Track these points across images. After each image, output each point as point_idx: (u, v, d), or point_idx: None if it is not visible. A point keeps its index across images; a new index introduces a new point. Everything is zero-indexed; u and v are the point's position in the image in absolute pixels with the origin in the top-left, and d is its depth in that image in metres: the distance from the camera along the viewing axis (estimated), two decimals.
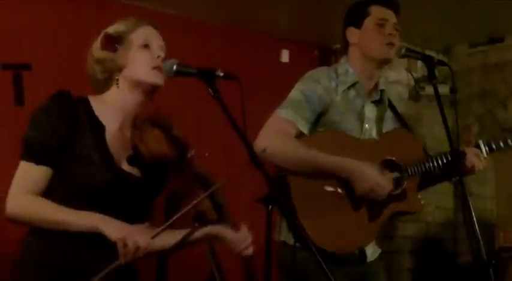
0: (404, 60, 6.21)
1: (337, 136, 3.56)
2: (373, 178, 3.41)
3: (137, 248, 2.48)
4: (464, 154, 3.58)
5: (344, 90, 3.60)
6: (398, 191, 3.52)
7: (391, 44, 3.59)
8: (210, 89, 2.62)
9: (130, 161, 2.71)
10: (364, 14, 3.66)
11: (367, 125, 3.66)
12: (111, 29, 2.79)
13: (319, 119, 3.56)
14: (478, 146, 3.70)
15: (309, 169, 3.38)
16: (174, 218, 2.55)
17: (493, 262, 2.96)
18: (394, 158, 3.55)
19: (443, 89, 3.40)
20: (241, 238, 2.82)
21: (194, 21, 5.75)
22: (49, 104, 2.62)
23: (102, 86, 2.78)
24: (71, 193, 2.59)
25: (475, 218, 3.00)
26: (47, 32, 5.11)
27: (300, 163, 3.37)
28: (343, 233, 3.31)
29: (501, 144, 3.76)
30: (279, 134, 3.38)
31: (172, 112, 5.51)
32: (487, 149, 3.71)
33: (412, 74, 6.41)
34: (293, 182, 3.39)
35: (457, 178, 3.43)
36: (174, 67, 2.68)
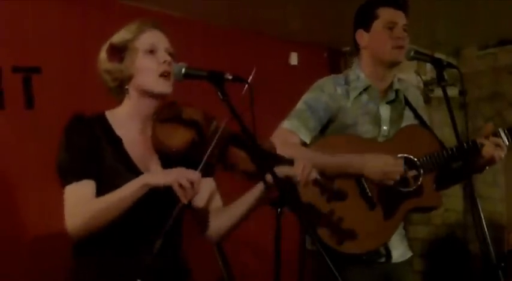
0: (414, 63, 6.20)
1: (349, 139, 3.56)
2: (381, 161, 3.40)
3: (192, 183, 2.51)
4: (481, 144, 3.49)
5: (356, 96, 3.61)
6: (414, 187, 3.47)
7: (400, 47, 3.58)
8: (219, 92, 2.63)
9: (164, 165, 2.74)
10: (373, 17, 3.65)
11: (384, 127, 3.66)
12: (115, 39, 2.78)
13: (328, 126, 3.58)
14: (496, 135, 3.54)
15: (319, 169, 3.21)
16: (209, 150, 2.58)
17: (503, 264, 2.96)
18: (407, 155, 3.50)
19: (453, 92, 3.39)
20: (299, 169, 2.75)
21: (202, 24, 5.76)
22: (67, 133, 2.65)
23: (117, 93, 2.80)
24: None
25: (484, 221, 3.00)
26: (56, 35, 5.12)
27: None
28: (360, 233, 3.28)
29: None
30: (283, 144, 3.26)
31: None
32: (507, 135, 3.54)
33: (421, 77, 6.41)
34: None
35: (480, 171, 3.53)
36: (183, 70, 2.69)
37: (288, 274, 2.87)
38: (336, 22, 5.98)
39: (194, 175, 2.53)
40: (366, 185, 3.45)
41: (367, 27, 3.67)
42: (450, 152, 3.54)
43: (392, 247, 3.60)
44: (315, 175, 2.78)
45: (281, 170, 2.68)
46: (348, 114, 3.57)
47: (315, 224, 3.36)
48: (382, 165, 3.38)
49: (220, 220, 2.93)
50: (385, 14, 3.64)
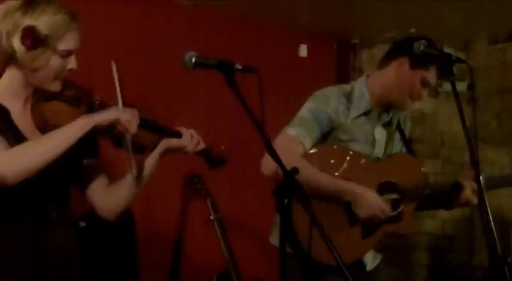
0: None
1: (342, 152, 3.66)
2: (377, 205, 3.53)
3: (130, 113, 2.61)
4: (462, 187, 3.71)
5: (357, 115, 3.68)
6: (395, 213, 3.63)
7: (415, 100, 3.70)
8: (228, 82, 2.63)
9: None
10: (425, 65, 3.64)
11: (377, 149, 3.77)
12: (40, 25, 2.57)
13: (325, 137, 3.66)
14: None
15: (313, 188, 3.38)
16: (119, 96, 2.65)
17: (509, 259, 2.96)
18: (395, 181, 3.65)
19: (461, 86, 3.39)
20: (188, 140, 2.89)
21: (212, 14, 5.75)
22: None
23: None
24: None
25: (491, 216, 2.99)
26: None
27: (305, 183, 3.08)
28: (336, 246, 3.30)
29: (502, 182, 3.76)
30: (285, 154, 3.05)
31: (182, 105, 5.54)
32: (488, 186, 3.59)
33: None
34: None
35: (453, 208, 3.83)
36: (193, 59, 2.69)
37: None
38: (346, 14, 5.98)
39: (131, 109, 2.63)
40: (353, 208, 3.56)
41: (413, 65, 3.66)
42: (436, 188, 3.77)
43: (367, 257, 3.76)
44: (202, 146, 2.93)
45: (170, 143, 2.86)
46: (345, 131, 3.66)
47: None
48: (377, 209, 3.52)
49: (116, 197, 2.91)
50: (432, 74, 3.67)
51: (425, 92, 3.71)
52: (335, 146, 3.67)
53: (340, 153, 3.67)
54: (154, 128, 2.83)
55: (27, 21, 2.56)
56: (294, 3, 5.66)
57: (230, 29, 5.87)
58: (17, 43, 2.56)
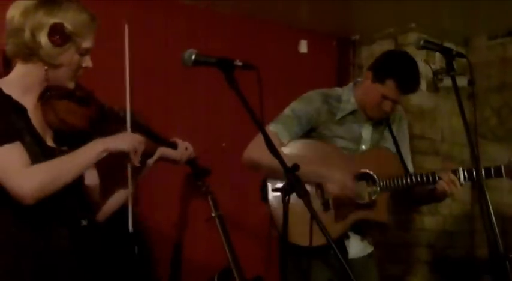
0: (423, 52, 6.17)
1: (320, 146, 3.93)
2: (343, 180, 3.73)
3: (140, 143, 2.71)
4: (439, 178, 3.79)
5: (343, 116, 3.94)
6: (366, 201, 3.83)
7: (383, 113, 3.90)
8: (227, 79, 2.63)
9: (57, 141, 2.73)
10: (381, 79, 3.84)
11: (363, 147, 3.99)
12: (67, 23, 2.64)
13: (309, 134, 3.93)
14: (455, 173, 3.80)
15: None
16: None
17: (510, 255, 2.96)
18: (369, 171, 3.83)
19: (462, 81, 3.40)
20: (182, 151, 3.01)
21: (212, 11, 5.75)
22: None
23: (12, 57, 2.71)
24: None
25: (492, 211, 3.00)
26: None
27: (278, 170, 3.43)
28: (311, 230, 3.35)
29: (482, 174, 3.78)
30: (261, 147, 3.26)
31: (182, 104, 5.54)
32: (465, 175, 3.79)
33: (430, 66, 6.39)
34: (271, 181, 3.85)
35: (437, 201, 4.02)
36: (193, 57, 2.70)
37: None
38: (346, 11, 5.98)
39: (141, 137, 2.73)
40: (324, 189, 3.78)
41: (374, 78, 3.88)
42: (409, 179, 3.83)
43: (351, 244, 3.93)
44: (192, 156, 3.07)
45: (165, 152, 2.97)
46: (329, 129, 3.92)
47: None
48: (342, 184, 3.73)
49: (108, 204, 2.98)
50: (390, 89, 3.82)
51: (388, 107, 3.86)
52: (316, 141, 3.93)
53: (321, 146, 3.92)
54: (154, 136, 2.91)
55: (54, 18, 2.62)
56: (294, 1, 5.67)
57: (230, 26, 5.87)
58: (43, 39, 2.61)
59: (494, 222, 2.98)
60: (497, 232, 2.97)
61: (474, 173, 3.72)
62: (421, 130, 6.34)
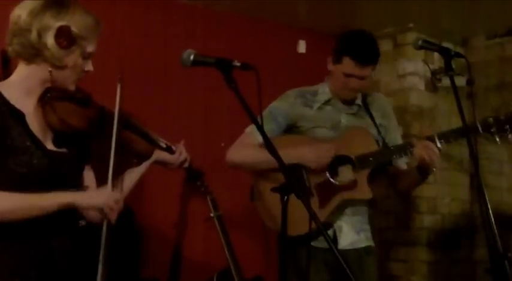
0: (421, 52, 6.18)
1: (296, 138, 4.00)
2: (313, 147, 3.81)
3: (117, 202, 2.70)
4: (412, 145, 3.82)
5: (320, 106, 4.04)
6: (346, 181, 3.86)
7: (352, 91, 3.96)
8: (226, 79, 2.64)
9: (57, 143, 2.74)
10: (338, 60, 3.94)
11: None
12: (73, 26, 2.67)
13: (291, 130, 4.04)
14: (430, 139, 3.81)
15: (269, 167, 3.70)
16: (111, 161, 2.73)
17: (509, 254, 2.96)
18: (346, 154, 3.86)
19: (460, 81, 3.41)
20: (178, 156, 3.08)
21: (210, 11, 5.74)
22: None
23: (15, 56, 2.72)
24: (8, 184, 2.58)
25: (491, 210, 3.00)
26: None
27: (261, 165, 3.81)
28: (295, 218, 3.30)
29: (457, 134, 3.80)
30: (241, 147, 4.00)
31: (180, 103, 5.55)
32: (442, 140, 3.81)
33: (428, 66, 6.39)
34: (256, 181, 3.99)
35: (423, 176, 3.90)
36: (192, 57, 2.70)
37: None
38: (344, 10, 5.98)
39: (118, 195, 2.72)
40: (305, 177, 3.74)
41: (334, 60, 3.98)
42: (385, 152, 3.89)
43: (342, 234, 3.94)
44: (187, 163, 3.15)
45: (161, 156, 3.03)
46: (308, 120, 4.00)
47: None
48: (315, 150, 3.81)
49: None
50: (347, 65, 3.90)
51: (355, 83, 3.90)
52: (290, 134, 4.02)
53: (295, 137, 4.00)
54: (152, 140, 2.95)
55: (61, 21, 2.64)
56: (293, 1, 5.67)
57: (228, 26, 5.86)
58: (50, 41, 2.63)
59: (493, 221, 2.98)
60: (496, 231, 2.97)
61: (448, 134, 3.83)
62: (419, 130, 6.34)
